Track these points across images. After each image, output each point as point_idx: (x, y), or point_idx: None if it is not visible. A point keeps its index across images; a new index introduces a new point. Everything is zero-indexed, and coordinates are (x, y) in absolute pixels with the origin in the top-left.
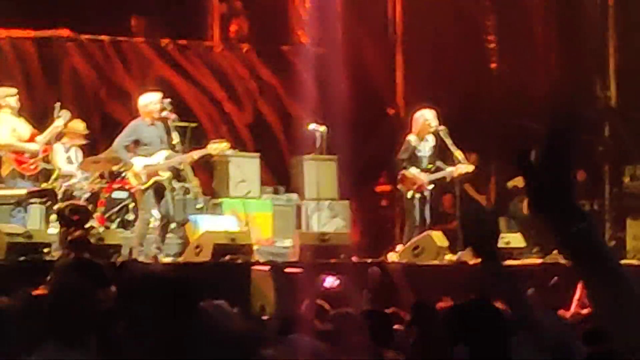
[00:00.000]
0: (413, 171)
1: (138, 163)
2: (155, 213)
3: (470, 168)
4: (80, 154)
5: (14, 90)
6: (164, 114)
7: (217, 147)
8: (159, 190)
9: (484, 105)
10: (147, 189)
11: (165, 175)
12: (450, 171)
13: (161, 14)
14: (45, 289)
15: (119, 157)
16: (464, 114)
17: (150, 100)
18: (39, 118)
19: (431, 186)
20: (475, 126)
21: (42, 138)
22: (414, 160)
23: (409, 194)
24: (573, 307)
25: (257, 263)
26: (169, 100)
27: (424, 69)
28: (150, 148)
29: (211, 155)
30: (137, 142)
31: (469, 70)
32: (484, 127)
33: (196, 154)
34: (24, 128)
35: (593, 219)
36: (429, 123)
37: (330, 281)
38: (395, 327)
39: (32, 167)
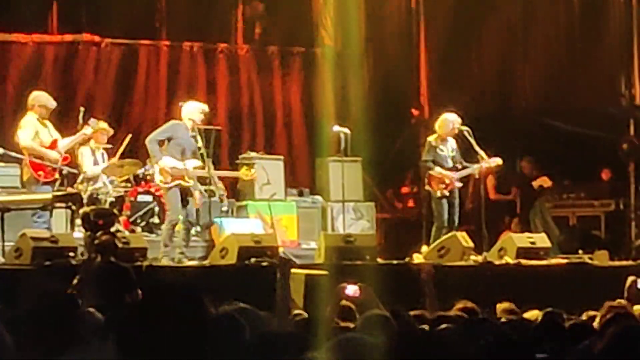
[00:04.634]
0: (440, 170)
1: (167, 160)
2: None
3: (498, 161)
4: (105, 156)
5: (53, 103)
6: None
7: (247, 173)
8: (184, 194)
9: (508, 104)
10: (171, 188)
11: (190, 182)
12: (477, 167)
13: (184, 17)
14: (73, 292)
15: (141, 163)
16: (489, 113)
17: (198, 109)
18: (60, 120)
19: (460, 184)
20: (501, 126)
21: (65, 145)
22: (437, 160)
23: (438, 194)
24: None
25: None
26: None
27: (448, 69)
28: (180, 149)
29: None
30: (169, 140)
31: (494, 71)
32: (510, 127)
33: (225, 174)
34: (47, 134)
35: None
36: (454, 125)
37: (352, 289)
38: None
39: (49, 175)
